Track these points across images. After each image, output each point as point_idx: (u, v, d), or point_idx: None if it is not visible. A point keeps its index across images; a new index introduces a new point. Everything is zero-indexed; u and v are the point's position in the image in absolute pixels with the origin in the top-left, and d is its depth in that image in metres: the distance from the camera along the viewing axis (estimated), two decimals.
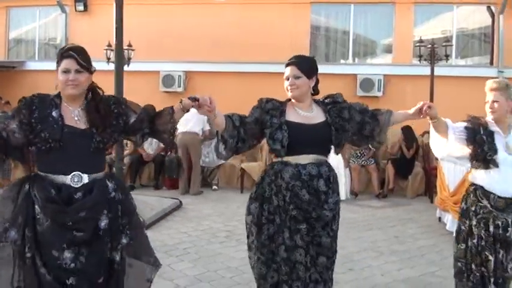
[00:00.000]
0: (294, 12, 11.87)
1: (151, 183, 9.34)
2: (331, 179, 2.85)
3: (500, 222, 3.00)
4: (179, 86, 12.14)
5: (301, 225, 2.76)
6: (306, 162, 2.79)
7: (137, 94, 8.78)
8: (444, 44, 10.41)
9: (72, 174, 2.42)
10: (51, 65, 10.26)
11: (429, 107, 2.92)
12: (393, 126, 3.22)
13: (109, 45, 10.48)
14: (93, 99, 2.58)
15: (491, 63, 11.58)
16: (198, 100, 2.60)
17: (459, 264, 3.16)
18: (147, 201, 7.01)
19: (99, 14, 12.65)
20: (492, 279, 3.00)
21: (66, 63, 2.47)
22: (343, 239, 5.83)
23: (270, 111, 2.85)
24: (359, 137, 3.03)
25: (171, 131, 2.69)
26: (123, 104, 2.65)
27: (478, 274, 3.05)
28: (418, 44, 10.55)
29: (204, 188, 8.96)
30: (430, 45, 10.27)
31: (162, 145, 7.51)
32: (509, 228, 2.99)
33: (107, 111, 2.56)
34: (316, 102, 3.00)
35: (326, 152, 2.92)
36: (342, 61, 12.37)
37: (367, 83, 11.20)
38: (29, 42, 14.34)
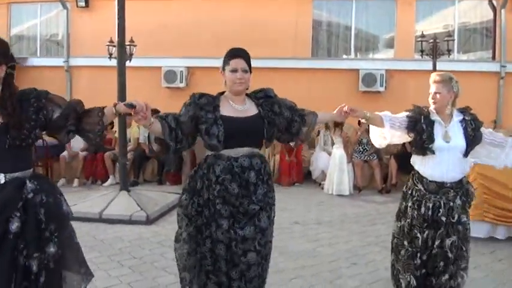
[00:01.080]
0: (296, 7, 11.84)
1: (154, 178, 9.37)
2: (261, 170, 2.87)
3: (431, 205, 3.27)
4: (181, 82, 12.13)
5: (223, 221, 2.77)
6: (238, 155, 2.82)
7: (139, 90, 8.83)
8: (446, 38, 10.38)
9: None
10: (53, 61, 10.50)
11: (352, 110, 3.19)
12: None
13: (111, 41, 10.47)
14: (4, 94, 2.40)
15: (493, 57, 11.53)
16: (135, 107, 2.52)
17: (395, 240, 3.47)
18: (151, 196, 7.03)
19: (100, 10, 12.62)
20: (419, 255, 3.28)
21: None
22: (347, 233, 5.88)
23: (204, 106, 2.85)
24: (286, 134, 3.08)
25: (98, 132, 2.55)
26: (44, 97, 2.48)
27: (409, 250, 3.32)
28: (420, 39, 10.54)
29: None
30: (432, 40, 10.24)
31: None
32: (441, 209, 3.25)
33: (23, 105, 2.40)
34: (249, 96, 3.02)
35: (259, 145, 2.95)
36: (344, 56, 12.35)
37: (369, 78, 11.17)
38: (30, 38, 14.32)
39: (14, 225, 2.28)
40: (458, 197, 3.29)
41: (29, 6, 13.88)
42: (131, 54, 10.52)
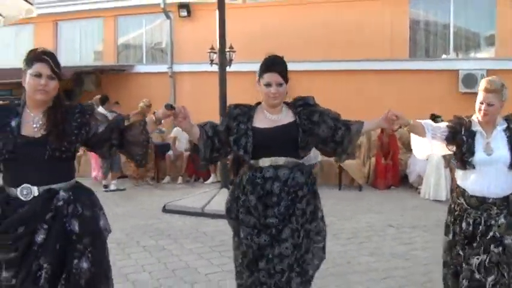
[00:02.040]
0: (392, 7, 11.64)
1: None
2: (289, 181, 2.72)
3: (471, 220, 3.02)
4: None
5: (244, 229, 2.74)
6: (265, 165, 2.73)
7: (239, 94, 9.16)
8: None
9: (22, 186, 2.25)
10: (158, 68, 11.27)
11: (396, 116, 2.88)
12: None
13: (212, 48, 11.00)
14: (53, 106, 2.38)
15: None
16: (174, 109, 2.54)
17: (444, 254, 3.23)
18: None
19: (201, 19, 13.26)
20: (463, 274, 3.02)
21: (39, 67, 2.30)
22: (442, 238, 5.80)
23: (238, 117, 2.82)
24: (330, 143, 2.89)
25: (143, 143, 2.49)
26: (88, 113, 2.45)
27: (452, 267, 3.12)
28: None
29: None
30: None
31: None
32: (481, 226, 2.99)
33: (67, 118, 2.36)
34: (287, 104, 2.91)
35: (293, 153, 2.79)
36: (443, 56, 11.97)
37: (469, 79, 10.74)
38: (136, 47, 15.36)
39: (40, 237, 2.20)
40: (502, 215, 2.99)
41: (134, 17, 14.87)
42: (231, 60, 10.98)
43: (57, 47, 16.27)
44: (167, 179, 9.85)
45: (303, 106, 2.87)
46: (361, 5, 11.76)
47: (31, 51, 2.37)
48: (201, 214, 6.48)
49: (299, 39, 11.98)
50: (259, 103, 2.91)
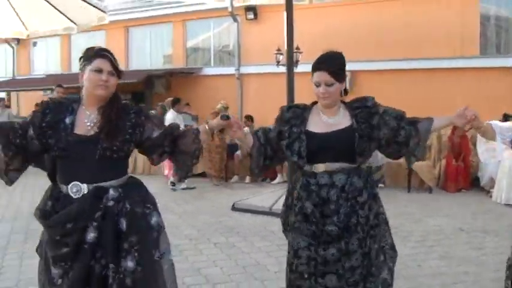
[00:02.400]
0: (461, 2, 11.31)
1: None
2: (346, 187, 2.53)
3: None
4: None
5: (301, 239, 2.58)
6: (319, 171, 2.56)
7: (305, 95, 9.23)
8: None
9: (72, 184, 2.23)
10: (225, 70, 11.53)
11: (475, 116, 2.56)
12: None
13: (278, 49, 11.14)
14: (109, 103, 2.35)
15: None
16: (229, 119, 2.47)
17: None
18: None
19: (268, 21, 13.41)
20: None
21: (100, 62, 2.29)
22: None
23: (291, 120, 2.66)
24: (393, 145, 2.64)
25: (195, 152, 2.42)
26: (144, 115, 2.41)
27: None
28: None
29: None
30: None
31: None
32: None
33: (122, 117, 2.33)
34: (345, 104, 2.69)
35: (350, 158, 2.58)
36: None
37: None
38: (204, 50, 15.77)
39: (90, 235, 2.17)
40: None
41: (202, 21, 15.26)
42: (297, 61, 11.05)
43: (128, 51, 16.98)
44: (235, 178, 10.08)
45: (361, 108, 2.63)
46: (428, 1, 11.50)
47: (89, 48, 2.36)
48: (269, 213, 6.60)
49: (366, 38, 11.89)
50: (315, 102, 2.72)
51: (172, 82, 15.27)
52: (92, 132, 2.27)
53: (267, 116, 10.78)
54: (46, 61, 19.74)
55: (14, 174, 2.30)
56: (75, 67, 18.54)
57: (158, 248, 2.31)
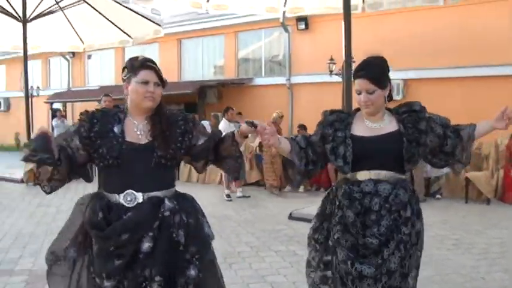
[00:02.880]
0: None
1: None
2: (390, 198, 2.43)
3: None
4: (398, 94, 12.28)
5: (341, 251, 2.46)
6: (363, 179, 2.48)
7: None
8: None
9: (125, 192, 2.21)
10: (276, 80, 11.67)
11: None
12: None
13: (331, 58, 11.20)
14: (156, 112, 2.35)
15: None
16: (255, 126, 2.35)
17: None
18: None
19: (319, 31, 13.54)
20: None
21: (146, 74, 2.28)
22: None
23: (335, 123, 2.59)
24: (440, 155, 2.59)
25: (236, 155, 2.41)
26: (191, 121, 2.41)
27: None
28: None
29: (427, 196, 8.97)
30: None
31: None
32: None
33: (171, 125, 2.34)
34: (390, 110, 2.62)
35: (396, 165, 2.50)
36: None
37: None
38: (255, 60, 16.01)
39: (146, 245, 2.15)
40: None
41: (253, 32, 15.53)
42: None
43: (180, 63, 17.43)
44: (288, 188, 10.15)
45: (408, 113, 2.55)
46: (487, 7, 11.29)
47: (133, 59, 2.34)
48: None
49: (419, 46, 11.80)
50: (358, 109, 2.65)
51: (224, 92, 15.58)
52: (145, 141, 2.27)
53: None
54: (100, 73, 20.52)
55: (56, 184, 2.27)
56: None
57: (214, 255, 2.39)
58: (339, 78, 11.90)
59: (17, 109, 21.02)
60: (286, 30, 14.28)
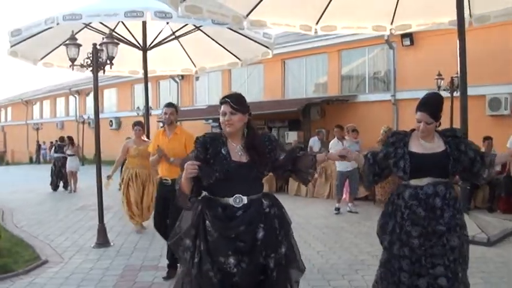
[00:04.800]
0: None
1: (484, 205, 9.54)
2: (447, 196, 3.26)
3: None
4: (506, 109, 11.99)
5: (413, 240, 3.26)
6: (423, 184, 3.27)
7: (473, 118, 9.13)
8: None
9: (235, 196, 2.86)
10: (380, 96, 11.92)
11: None
12: None
13: (439, 74, 11.17)
14: (248, 136, 3.01)
15: None
16: (344, 157, 3.29)
17: None
18: (489, 221, 7.39)
19: (425, 47, 13.50)
20: None
21: (223, 108, 2.95)
22: None
23: (395, 143, 3.39)
24: (467, 173, 3.42)
25: (310, 172, 3.16)
26: (274, 141, 3.10)
27: None
28: None
29: None
30: None
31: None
32: None
33: (263, 146, 3.00)
34: (439, 133, 3.39)
35: (443, 175, 3.31)
36: None
37: None
38: (359, 77, 16.20)
39: (260, 234, 2.85)
40: None
41: (356, 50, 15.78)
42: (458, 85, 10.97)
43: (284, 82, 18.02)
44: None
45: (451, 137, 3.37)
46: None
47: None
48: None
49: None
50: (413, 130, 3.43)
51: (327, 109, 15.89)
52: (245, 159, 2.93)
53: None
54: (207, 93, 21.69)
55: (193, 200, 2.95)
56: None
57: (293, 235, 3.08)
58: (446, 94, 11.79)
59: (127, 127, 22.77)
60: (390, 46, 14.37)
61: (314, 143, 13.03)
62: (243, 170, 2.90)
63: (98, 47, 6.61)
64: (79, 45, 6.66)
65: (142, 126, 8.16)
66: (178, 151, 5.10)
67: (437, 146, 3.34)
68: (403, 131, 3.54)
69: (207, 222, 2.86)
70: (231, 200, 2.87)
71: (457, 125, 9.51)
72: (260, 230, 2.85)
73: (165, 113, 5.32)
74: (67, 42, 6.76)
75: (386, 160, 3.42)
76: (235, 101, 2.96)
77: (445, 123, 9.96)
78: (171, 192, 4.20)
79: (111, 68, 6.86)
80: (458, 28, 7.38)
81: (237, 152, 2.95)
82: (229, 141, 2.97)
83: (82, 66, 6.69)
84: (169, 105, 5.42)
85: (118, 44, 6.99)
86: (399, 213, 3.33)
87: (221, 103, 2.97)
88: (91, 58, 6.55)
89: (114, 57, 6.67)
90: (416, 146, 3.36)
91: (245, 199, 2.87)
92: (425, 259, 3.24)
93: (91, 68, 6.55)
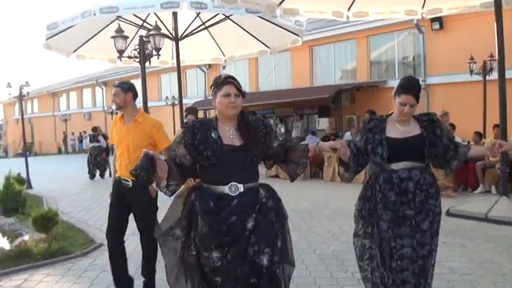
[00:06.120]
0: None
1: None
2: (421, 181, 3.26)
3: None
4: None
5: (383, 223, 3.28)
6: (398, 168, 3.27)
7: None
8: None
9: (230, 184, 2.70)
10: None
11: (500, 145, 3.26)
12: None
13: (471, 58, 11.11)
14: (242, 120, 2.83)
15: None
16: (336, 150, 3.08)
17: None
18: None
19: (455, 30, 13.40)
20: None
21: (227, 88, 2.75)
22: None
23: (373, 129, 3.37)
24: (440, 159, 3.37)
25: (302, 164, 2.94)
26: (269, 126, 2.92)
27: None
28: None
29: None
30: None
31: None
32: None
33: (256, 130, 2.82)
34: (415, 118, 3.37)
35: (420, 159, 3.29)
36: None
37: None
38: (388, 62, 16.17)
39: (250, 224, 2.66)
40: None
41: (385, 35, 15.73)
42: (491, 69, 10.93)
43: (312, 69, 18.04)
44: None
45: (427, 121, 3.35)
46: None
47: (217, 77, 2.84)
48: (485, 219, 6.89)
49: None
50: (389, 114, 3.43)
51: (356, 95, 15.91)
52: (238, 143, 2.76)
53: (459, 126, 10.74)
54: None
55: (173, 187, 2.75)
56: (263, 86, 20.08)
57: (287, 229, 2.93)
58: (478, 77, 11.72)
59: (154, 116, 23.03)
60: (420, 31, 14.29)
61: (347, 138, 13.01)
62: (236, 155, 2.73)
63: (144, 39, 6.77)
64: (126, 37, 6.84)
65: (194, 113, 6.73)
66: (140, 142, 4.08)
67: (413, 129, 3.34)
68: (380, 116, 3.51)
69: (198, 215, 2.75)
70: (226, 189, 2.71)
71: (492, 109, 9.57)
72: (250, 220, 2.68)
73: (114, 95, 4.25)
74: (114, 34, 6.91)
75: (366, 147, 3.40)
76: (239, 83, 2.82)
77: (478, 108, 9.95)
78: (132, 194, 4.06)
79: (158, 58, 6.98)
80: (496, 9, 7.36)
81: (229, 135, 2.79)
82: (220, 125, 2.82)
83: (130, 57, 6.87)
84: (118, 85, 4.30)
85: (164, 35, 7.12)
86: (373, 198, 3.37)
87: (224, 83, 2.78)
88: (138, 50, 6.72)
89: (160, 49, 6.83)
90: (393, 130, 3.35)
91: (241, 187, 2.71)
92: (394, 240, 3.26)
93: (138, 59, 6.71)
